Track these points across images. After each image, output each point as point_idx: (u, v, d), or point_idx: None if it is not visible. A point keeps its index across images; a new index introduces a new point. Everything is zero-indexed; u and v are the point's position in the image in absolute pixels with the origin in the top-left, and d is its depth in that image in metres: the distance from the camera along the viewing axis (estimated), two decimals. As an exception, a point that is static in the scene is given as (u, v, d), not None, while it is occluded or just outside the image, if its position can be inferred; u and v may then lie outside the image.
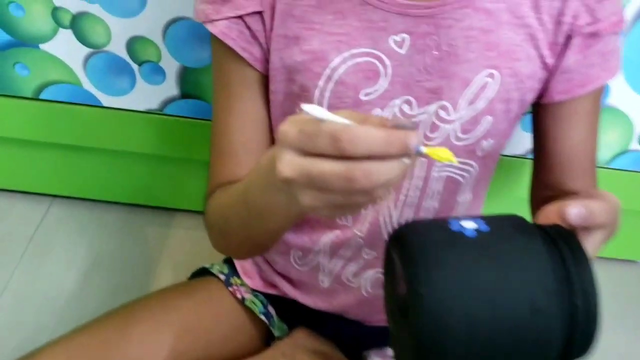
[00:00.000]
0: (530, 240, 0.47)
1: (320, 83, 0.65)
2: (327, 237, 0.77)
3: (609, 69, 0.68)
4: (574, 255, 0.47)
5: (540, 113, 0.72)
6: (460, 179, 0.72)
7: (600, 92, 0.71)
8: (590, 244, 0.52)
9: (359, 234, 0.75)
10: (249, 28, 0.65)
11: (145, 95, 1.08)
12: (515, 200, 1.07)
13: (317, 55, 0.64)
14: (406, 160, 0.44)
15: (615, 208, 0.54)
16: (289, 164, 0.45)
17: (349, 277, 0.79)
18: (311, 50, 0.64)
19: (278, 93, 0.68)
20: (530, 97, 0.69)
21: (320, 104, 0.65)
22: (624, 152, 1.10)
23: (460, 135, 0.68)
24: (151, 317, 0.79)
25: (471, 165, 0.71)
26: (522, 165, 1.11)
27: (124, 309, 0.80)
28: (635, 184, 1.14)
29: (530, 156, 1.05)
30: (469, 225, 0.47)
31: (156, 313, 0.79)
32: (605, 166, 1.12)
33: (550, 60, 0.66)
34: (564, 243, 0.47)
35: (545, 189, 0.75)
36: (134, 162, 1.22)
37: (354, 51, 0.63)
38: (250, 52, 0.66)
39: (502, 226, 0.48)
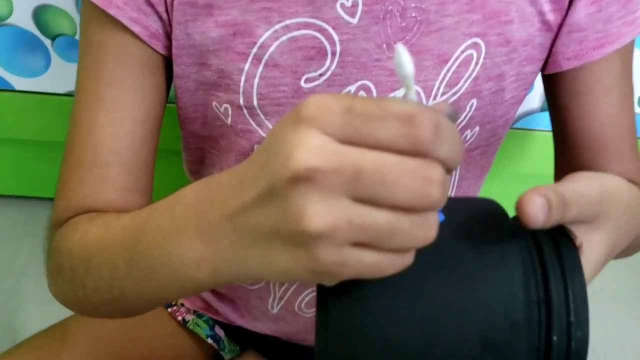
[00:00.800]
0: (499, 241, 0.37)
1: (246, 67, 0.54)
2: None
3: (634, 22, 0.57)
4: (562, 265, 0.36)
5: (553, 86, 0.61)
6: None
7: (631, 49, 0.60)
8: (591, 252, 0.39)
9: None
10: None
11: (64, 75, 1.03)
12: (513, 176, 1.05)
13: (239, 28, 0.53)
14: None
15: (612, 196, 0.40)
16: (322, 149, 0.31)
17: (302, 308, 0.70)
18: (230, 22, 0.53)
19: (186, 79, 0.58)
20: (531, 69, 0.59)
21: (248, 95, 0.55)
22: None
23: None
24: (74, 349, 0.70)
25: None
26: (523, 137, 1.06)
27: (40, 339, 0.71)
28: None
29: (537, 127, 1.04)
30: None
31: (78, 343, 0.71)
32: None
33: (552, 18, 0.56)
34: (551, 246, 0.37)
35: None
36: (56, 153, 1.13)
37: (289, 22, 0.53)
38: (145, 25, 0.54)
39: (462, 217, 0.38)
